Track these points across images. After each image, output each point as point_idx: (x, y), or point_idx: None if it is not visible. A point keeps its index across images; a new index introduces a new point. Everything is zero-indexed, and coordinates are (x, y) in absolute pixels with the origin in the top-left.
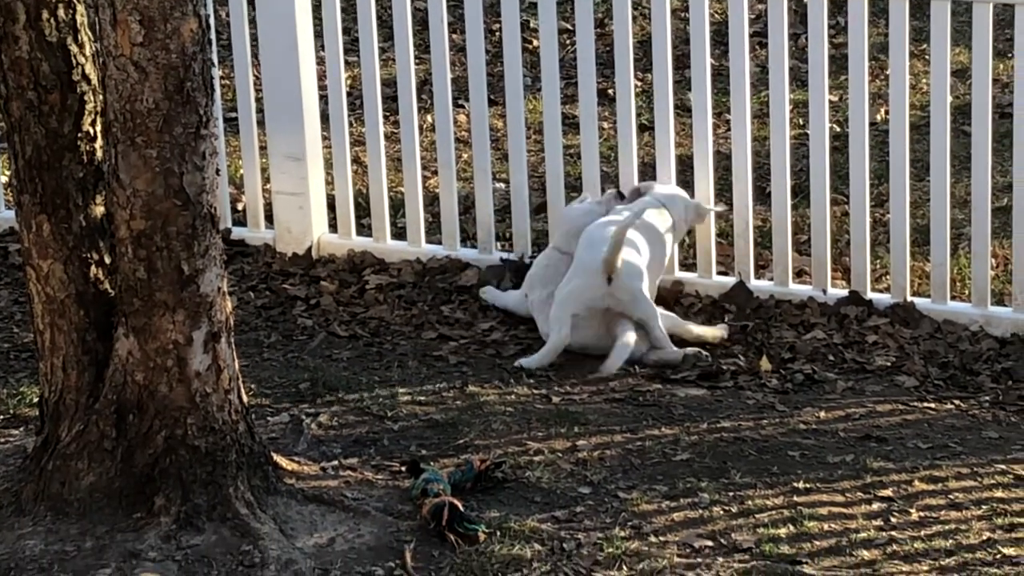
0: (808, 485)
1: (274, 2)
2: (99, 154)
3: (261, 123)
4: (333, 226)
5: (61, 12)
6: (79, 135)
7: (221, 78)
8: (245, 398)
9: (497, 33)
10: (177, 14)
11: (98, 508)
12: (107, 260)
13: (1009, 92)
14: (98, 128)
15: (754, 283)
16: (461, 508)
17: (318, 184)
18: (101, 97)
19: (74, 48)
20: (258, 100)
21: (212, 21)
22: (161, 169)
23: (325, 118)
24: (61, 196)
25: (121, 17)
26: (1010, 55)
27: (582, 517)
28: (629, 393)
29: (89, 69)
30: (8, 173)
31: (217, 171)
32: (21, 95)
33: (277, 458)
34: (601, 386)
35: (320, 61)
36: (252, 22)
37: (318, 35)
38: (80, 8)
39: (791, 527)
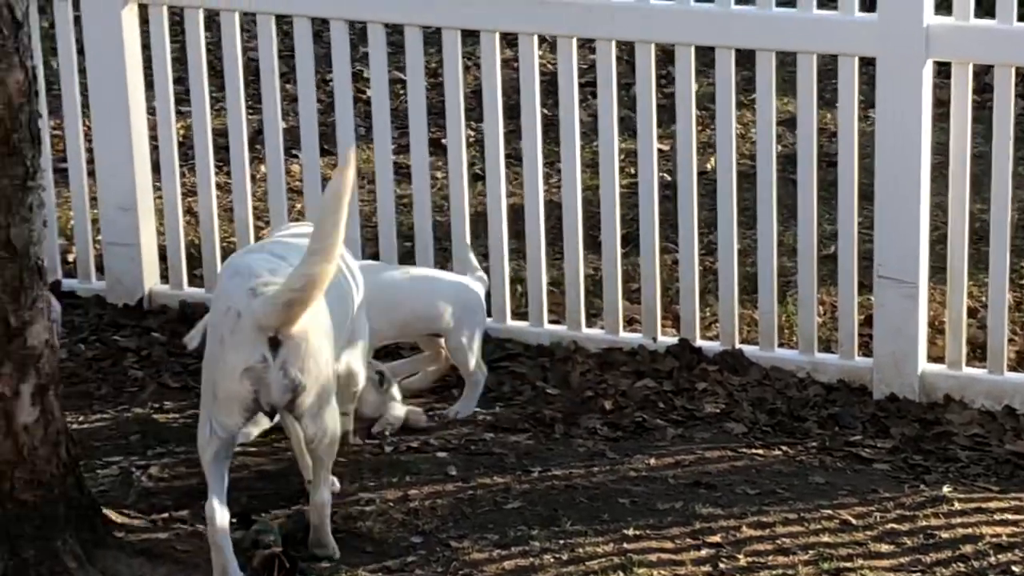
0: (638, 532)
1: (104, 52)
2: None
3: (92, 173)
4: (165, 277)
5: None
6: None
7: (52, 128)
8: (74, 451)
9: (330, 83)
10: (3, 66)
11: None
12: None
13: (835, 141)
14: None
15: (585, 331)
16: (292, 560)
17: (149, 235)
18: None
19: None
20: (89, 150)
21: (41, 72)
22: None
23: (157, 168)
24: None
25: None
26: (837, 104)
27: (413, 567)
28: (462, 442)
29: None
30: None
31: (45, 223)
32: None
33: (106, 511)
34: (433, 435)
35: (151, 111)
36: (83, 72)
37: (149, 85)
38: None
39: (621, 574)
